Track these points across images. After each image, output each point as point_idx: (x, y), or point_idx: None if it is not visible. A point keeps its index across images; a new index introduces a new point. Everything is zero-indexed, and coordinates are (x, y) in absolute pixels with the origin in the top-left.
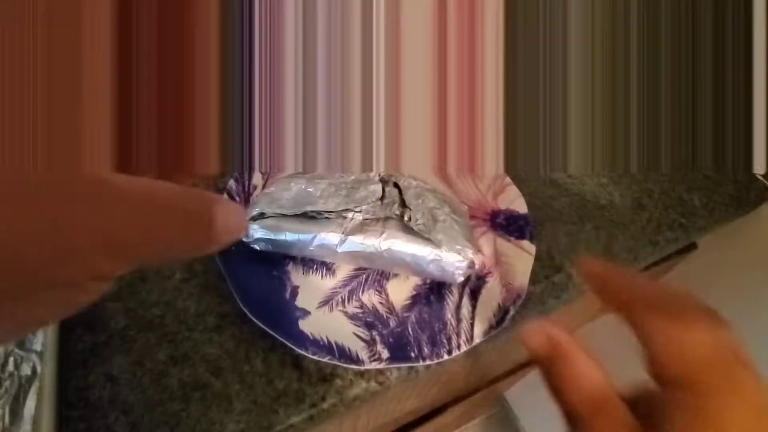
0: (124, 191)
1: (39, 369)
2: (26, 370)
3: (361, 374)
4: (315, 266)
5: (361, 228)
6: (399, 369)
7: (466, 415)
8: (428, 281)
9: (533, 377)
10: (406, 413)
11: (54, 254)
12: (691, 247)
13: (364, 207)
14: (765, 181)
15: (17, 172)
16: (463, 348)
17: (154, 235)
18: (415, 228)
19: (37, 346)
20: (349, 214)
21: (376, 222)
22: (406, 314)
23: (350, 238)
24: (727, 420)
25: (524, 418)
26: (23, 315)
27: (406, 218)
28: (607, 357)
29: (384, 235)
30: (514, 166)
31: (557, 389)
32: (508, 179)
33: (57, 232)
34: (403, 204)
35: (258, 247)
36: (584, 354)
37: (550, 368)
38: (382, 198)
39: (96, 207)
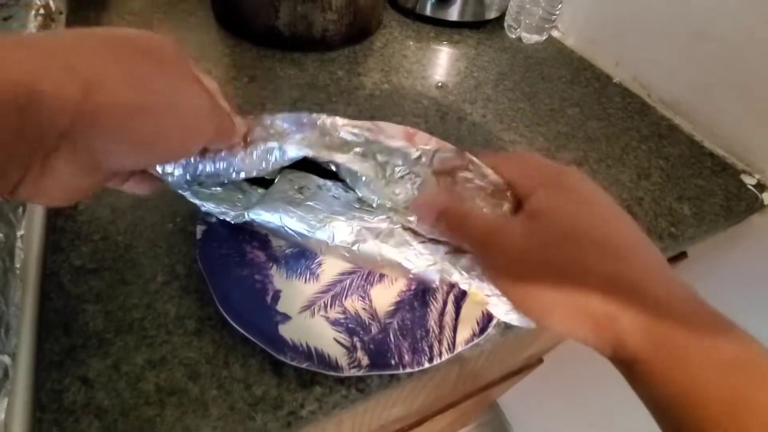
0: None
1: (11, 372)
2: None
3: (341, 381)
4: (299, 270)
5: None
6: (380, 376)
7: (458, 422)
8: (413, 287)
9: (526, 384)
10: (393, 420)
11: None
12: (682, 256)
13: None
14: (756, 191)
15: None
16: (445, 356)
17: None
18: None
19: (10, 349)
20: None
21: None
22: (388, 321)
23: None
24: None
25: (517, 424)
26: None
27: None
28: (595, 363)
29: (380, 237)
30: None
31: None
32: None
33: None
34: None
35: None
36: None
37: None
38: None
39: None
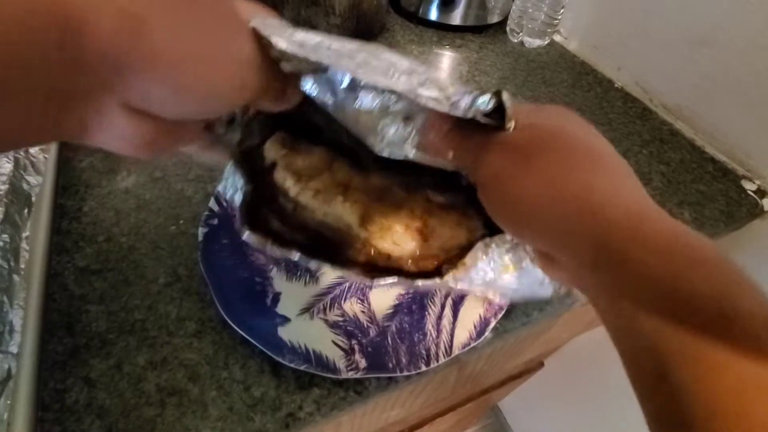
0: None
1: (14, 370)
2: (1, 372)
3: (340, 383)
4: (299, 273)
5: None
6: (378, 379)
7: (458, 425)
8: (411, 291)
9: (527, 388)
10: (392, 423)
11: None
12: None
13: None
14: (756, 197)
15: None
16: (442, 359)
17: None
18: None
19: (14, 348)
20: None
21: None
22: (386, 324)
23: None
24: None
25: (518, 428)
26: None
27: None
28: (597, 367)
29: None
30: None
31: None
32: None
33: None
34: None
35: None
36: None
37: None
38: None
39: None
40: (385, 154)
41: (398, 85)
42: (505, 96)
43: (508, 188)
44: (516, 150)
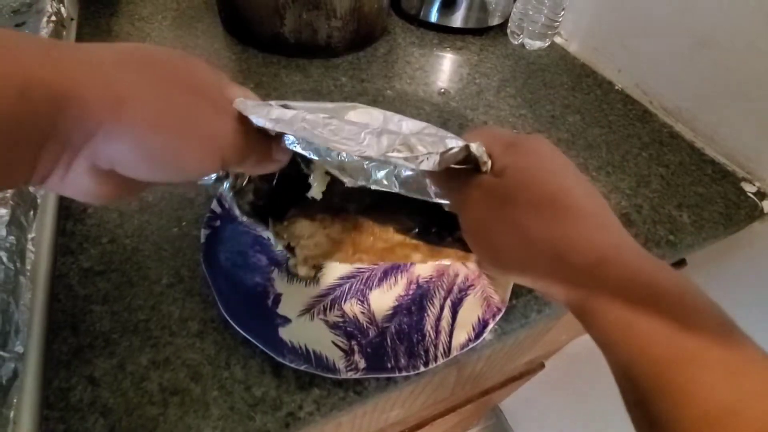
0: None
1: (20, 370)
2: (7, 371)
3: (339, 384)
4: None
5: None
6: (377, 379)
7: (459, 426)
8: (411, 292)
9: (528, 388)
10: (392, 423)
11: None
12: (681, 263)
13: None
14: (756, 199)
15: None
16: (440, 360)
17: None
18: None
19: (19, 348)
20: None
21: None
22: (386, 325)
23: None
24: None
25: (519, 429)
26: None
27: None
28: (597, 368)
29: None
30: None
31: None
32: None
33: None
34: None
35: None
36: None
37: None
38: None
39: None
40: (373, 187)
41: (368, 151)
42: (474, 147)
43: (487, 237)
44: (492, 196)
